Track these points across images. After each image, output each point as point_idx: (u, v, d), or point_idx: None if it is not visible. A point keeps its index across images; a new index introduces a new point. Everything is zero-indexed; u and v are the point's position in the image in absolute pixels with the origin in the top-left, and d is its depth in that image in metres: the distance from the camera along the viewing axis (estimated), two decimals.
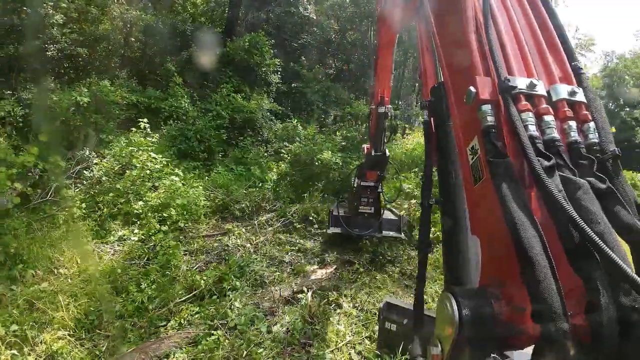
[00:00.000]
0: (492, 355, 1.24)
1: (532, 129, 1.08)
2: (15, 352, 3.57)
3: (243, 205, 7.41)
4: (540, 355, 0.88)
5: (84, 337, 4.04)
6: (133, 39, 12.71)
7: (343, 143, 9.78)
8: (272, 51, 13.75)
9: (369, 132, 5.69)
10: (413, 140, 12.34)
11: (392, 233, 6.40)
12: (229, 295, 4.92)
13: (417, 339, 1.65)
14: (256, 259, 5.81)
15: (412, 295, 5.52)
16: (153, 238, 5.89)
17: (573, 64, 1.28)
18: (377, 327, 4.20)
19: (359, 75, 19.79)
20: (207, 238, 6.52)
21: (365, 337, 4.35)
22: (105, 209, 6.43)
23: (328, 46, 19.28)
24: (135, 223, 6.36)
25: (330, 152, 8.22)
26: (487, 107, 1.15)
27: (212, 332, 4.19)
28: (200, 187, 7.61)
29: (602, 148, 1.11)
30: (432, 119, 1.78)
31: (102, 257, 5.45)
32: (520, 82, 1.14)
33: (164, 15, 13.54)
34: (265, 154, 10.06)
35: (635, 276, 0.78)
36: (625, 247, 0.92)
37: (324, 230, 6.93)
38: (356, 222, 6.29)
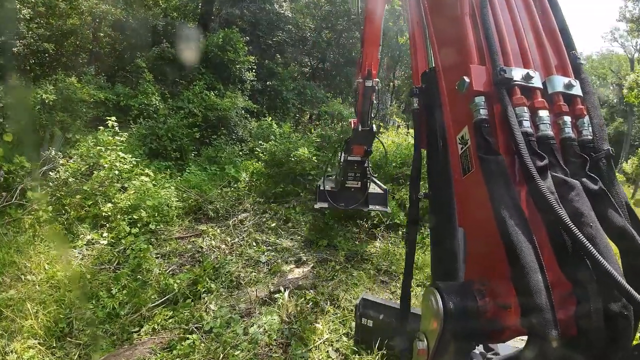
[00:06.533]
0: (477, 348, 1.31)
1: (526, 125, 1.05)
2: None
3: (217, 206, 7.33)
4: (528, 350, 0.88)
5: (54, 345, 3.92)
6: (102, 34, 12.19)
7: (318, 140, 9.81)
8: (246, 48, 13.58)
9: (355, 106, 5.55)
10: (387, 140, 12.56)
11: (378, 207, 6.43)
12: (203, 298, 4.89)
13: (403, 333, 1.66)
14: (231, 260, 5.80)
15: (387, 291, 5.70)
16: (123, 241, 5.74)
17: (572, 52, 1.23)
18: (354, 324, 4.30)
19: (334, 74, 19.90)
20: (180, 240, 6.41)
21: (343, 334, 4.43)
22: (72, 212, 6.19)
23: (303, 44, 19.26)
24: (104, 226, 6.16)
25: (306, 149, 8.24)
26: (480, 100, 1.10)
27: (187, 336, 4.16)
28: (172, 188, 7.45)
29: (595, 145, 1.09)
30: (421, 107, 1.69)
31: (70, 262, 5.26)
32: (517, 74, 1.10)
33: (134, 9, 13.07)
34: (240, 152, 9.95)
35: (626, 284, 0.78)
36: (615, 250, 0.93)
37: (297, 230, 6.99)
38: (343, 197, 6.26)
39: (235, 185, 8.45)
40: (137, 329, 4.37)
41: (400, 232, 7.68)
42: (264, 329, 4.40)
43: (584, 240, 0.83)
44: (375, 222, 7.71)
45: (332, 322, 4.62)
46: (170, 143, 9.58)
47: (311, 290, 5.20)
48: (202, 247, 6.17)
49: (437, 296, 1.01)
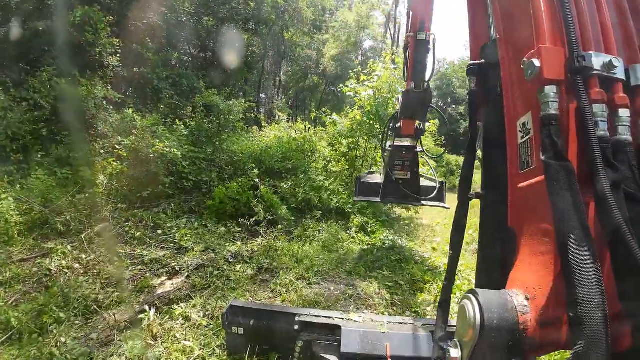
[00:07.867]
0: None
1: (603, 127, 0.91)
2: None
3: (68, 217, 6.29)
4: None
5: None
6: None
7: (185, 133, 9.12)
8: (109, 29, 11.81)
9: (405, 66, 4.54)
10: (270, 134, 12.55)
11: (434, 203, 5.44)
12: (52, 331, 4.20)
13: (438, 342, 1.52)
14: (87, 281, 5.05)
15: (267, 289, 5.68)
16: None
17: None
18: None
19: (216, 65, 18.89)
20: (22, 263, 5.41)
21: (216, 347, 4.26)
22: None
23: (180, 30, 17.71)
24: None
25: (165, 143, 7.57)
26: (551, 90, 0.93)
27: None
28: (11, 199, 6.15)
29: None
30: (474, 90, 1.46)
31: None
32: (597, 61, 0.94)
33: None
34: (102, 151, 8.66)
35: None
36: None
37: (169, 236, 6.47)
38: (388, 190, 5.31)
39: (92, 190, 7.32)
40: None
41: (281, 226, 7.79)
42: (126, 357, 3.96)
43: None
44: (258, 218, 7.66)
45: (205, 335, 4.40)
46: (10, 143, 7.93)
47: (182, 304, 4.86)
48: (50, 270, 5.25)
49: (475, 305, 0.93)
